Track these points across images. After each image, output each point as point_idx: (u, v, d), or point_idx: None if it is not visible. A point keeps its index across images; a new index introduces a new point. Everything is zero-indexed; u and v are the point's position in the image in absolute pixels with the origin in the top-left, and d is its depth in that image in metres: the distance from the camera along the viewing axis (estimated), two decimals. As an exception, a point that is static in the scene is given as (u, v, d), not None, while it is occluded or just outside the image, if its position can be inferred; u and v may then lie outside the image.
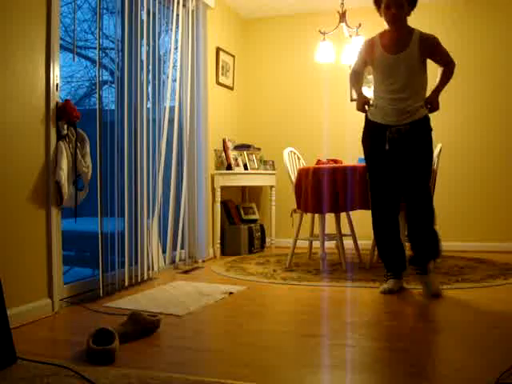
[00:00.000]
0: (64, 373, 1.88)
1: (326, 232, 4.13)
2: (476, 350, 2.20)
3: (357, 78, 3.52)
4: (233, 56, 5.62)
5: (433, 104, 3.31)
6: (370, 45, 3.35)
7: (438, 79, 3.34)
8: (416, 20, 5.40)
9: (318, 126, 5.59)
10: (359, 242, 4.39)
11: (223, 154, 5.22)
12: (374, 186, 3.37)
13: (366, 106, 3.38)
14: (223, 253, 5.14)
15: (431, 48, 3.27)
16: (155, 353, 2.23)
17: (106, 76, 3.68)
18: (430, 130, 3.32)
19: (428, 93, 3.34)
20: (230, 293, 3.34)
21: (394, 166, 3.27)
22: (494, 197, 5.27)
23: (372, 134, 3.34)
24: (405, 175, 3.26)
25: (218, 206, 5.05)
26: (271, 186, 5.54)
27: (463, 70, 5.37)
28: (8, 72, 2.62)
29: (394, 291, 3.30)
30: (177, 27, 4.32)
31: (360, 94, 3.46)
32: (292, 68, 5.87)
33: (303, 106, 5.73)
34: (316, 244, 4.45)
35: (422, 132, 3.26)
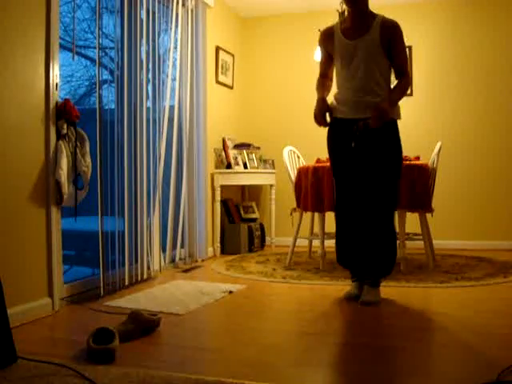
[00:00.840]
0: (64, 372, 1.88)
1: (326, 231, 4.14)
2: (476, 348, 2.21)
3: (322, 82, 3.21)
4: (232, 55, 5.62)
5: (378, 109, 2.88)
6: (329, 33, 3.12)
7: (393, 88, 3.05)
8: (416, 20, 5.43)
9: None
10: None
11: (223, 153, 5.22)
12: (338, 187, 3.15)
13: (328, 116, 3.07)
14: (223, 252, 5.15)
15: (391, 36, 2.98)
16: (155, 352, 2.23)
17: (105, 75, 3.68)
18: (398, 136, 3.05)
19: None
20: (230, 292, 3.34)
21: (360, 165, 3.03)
22: (493, 195, 5.27)
23: (337, 132, 3.08)
24: (366, 180, 3.02)
25: (218, 204, 5.05)
26: (271, 185, 5.54)
27: (464, 70, 5.38)
28: (7, 71, 2.62)
29: (357, 295, 3.11)
30: (176, 26, 4.32)
31: (320, 99, 3.08)
32: (291, 67, 5.87)
33: (303, 104, 5.72)
34: (316, 243, 4.45)
35: (390, 134, 3.01)
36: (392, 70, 3.09)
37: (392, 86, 3.08)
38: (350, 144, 2.99)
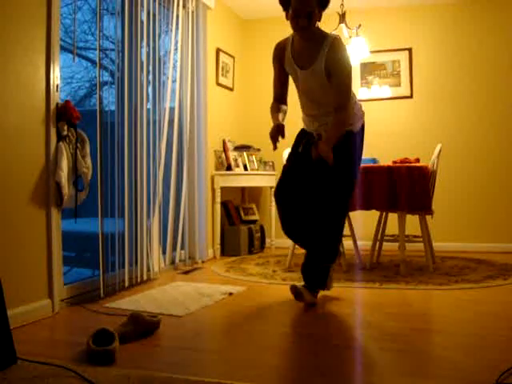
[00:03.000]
0: (64, 373, 1.88)
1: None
2: (476, 350, 2.21)
3: (276, 107, 3.20)
4: (233, 57, 5.63)
5: (318, 148, 2.84)
6: (280, 51, 3.09)
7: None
8: (416, 22, 5.44)
9: (318, 127, 5.59)
10: (359, 243, 4.39)
11: (223, 155, 5.23)
12: (282, 179, 3.20)
13: (280, 136, 3.04)
14: (223, 253, 5.14)
15: (331, 66, 2.83)
16: (155, 353, 2.23)
17: (106, 77, 3.69)
18: (352, 148, 3.00)
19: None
20: (230, 293, 3.34)
21: (305, 170, 3.06)
22: (493, 197, 5.27)
23: (298, 137, 3.25)
24: (314, 191, 3.01)
25: (218, 206, 5.05)
26: (271, 187, 5.54)
27: (463, 72, 5.39)
28: (8, 73, 2.62)
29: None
30: (177, 28, 4.33)
31: (275, 117, 3.14)
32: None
33: (303, 106, 5.72)
34: (316, 245, 4.44)
35: (341, 145, 2.90)
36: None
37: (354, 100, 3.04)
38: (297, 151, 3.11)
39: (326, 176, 2.93)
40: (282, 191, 3.14)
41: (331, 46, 2.84)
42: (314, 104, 3.06)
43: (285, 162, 3.31)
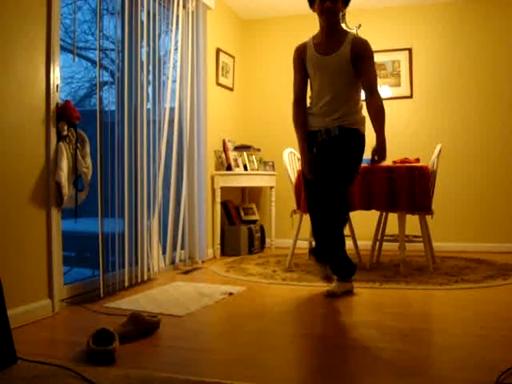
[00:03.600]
0: (64, 373, 1.88)
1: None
2: (476, 350, 2.21)
3: (299, 110, 3.24)
4: (233, 57, 5.63)
5: (382, 154, 3.04)
6: (302, 50, 3.23)
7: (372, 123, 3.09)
8: (416, 22, 5.44)
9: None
10: (359, 243, 4.39)
11: (223, 155, 5.23)
12: (308, 194, 3.28)
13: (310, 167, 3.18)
14: (223, 253, 5.15)
15: (360, 53, 3.05)
16: (155, 353, 2.23)
17: (106, 77, 3.68)
18: (362, 146, 3.16)
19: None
20: (230, 293, 3.34)
21: (321, 169, 3.13)
22: (493, 197, 5.27)
23: (309, 144, 3.21)
24: (324, 183, 3.11)
25: (218, 206, 5.05)
26: (271, 187, 5.55)
27: (463, 71, 5.39)
28: (8, 72, 2.62)
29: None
30: (177, 28, 4.33)
31: (304, 149, 3.21)
32: (292, 69, 5.86)
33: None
34: (316, 245, 4.45)
35: (352, 143, 3.12)
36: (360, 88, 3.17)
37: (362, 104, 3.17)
38: (312, 152, 3.15)
39: (335, 170, 3.07)
40: (315, 205, 3.19)
41: (355, 37, 3.12)
42: (330, 94, 3.11)
43: (299, 172, 3.35)
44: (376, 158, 3.04)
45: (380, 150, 3.02)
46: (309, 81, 3.27)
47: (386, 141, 3.03)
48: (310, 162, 3.17)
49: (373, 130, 3.08)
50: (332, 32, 3.12)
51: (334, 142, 3.09)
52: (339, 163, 3.07)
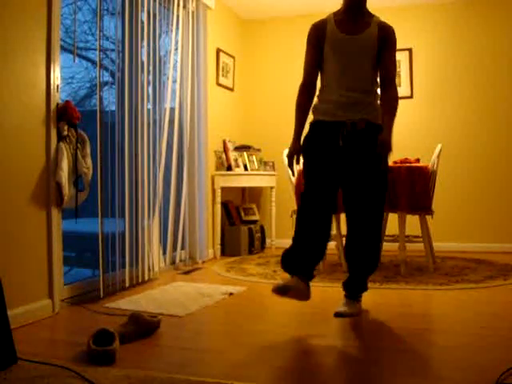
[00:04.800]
0: (64, 373, 1.88)
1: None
2: (476, 350, 2.21)
3: (306, 94, 2.85)
4: (233, 57, 5.63)
5: (385, 146, 2.66)
6: (320, 27, 2.82)
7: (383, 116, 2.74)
8: (416, 22, 5.44)
9: (318, 127, 5.59)
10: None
11: (223, 155, 5.23)
12: (312, 189, 2.78)
13: (295, 158, 2.80)
14: (223, 253, 5.15)
15: (387, 38, 2.73)
16: (156, 353, 2.23)
17: (106, 77, 3.69)
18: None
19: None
20: (230, 293, 3.34)
21: (344, 166, 2.75)
22: (494, 197, 5.27)
23: (320, 135, 2.79)
24: (352, 184, 2.77)
25: (218, 206, 5.05)
26: (271, 187, 5.54)
27: (464, 71, 5.39)
28: (8, 73, 2.63)
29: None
30: (177, 28, 4.33)
31: (296, 138, 2.80)
32: (292, 69, 5.86)
33: (303, 106, 5.73)
34: (316, 245, 4.45)
35: (372, 139, 2.72)
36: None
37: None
38: (336, 145, 2.72)
39: (369, 170, 2.72)
40: (320, 202, 2.75)
41: (381, 21, 2.80)
42: (352, 81, 2.75)
43: (310, 169, 2.84)
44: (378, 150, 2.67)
45: (385, 141, 2.65)
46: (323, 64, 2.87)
47: (389, 141, 2.67)
48: (297, 152, 2.80)
49: None
50: (358, 10, 2.76)
51: (361, 137, 2.72)
52: (370, 162, 2.72)
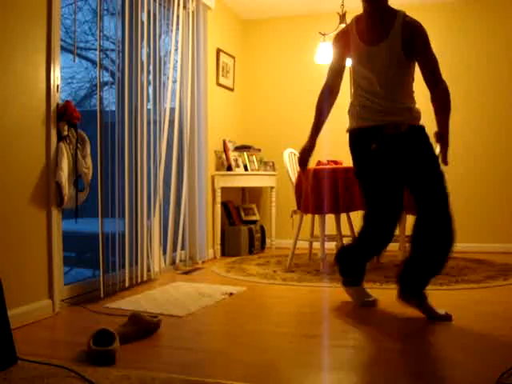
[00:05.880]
0: (64, 373, 1.88)
1: (326, 233, 4.13)
2: (476, 350, 2.21)
3: (327, 97, 2.90)
4: (233, 57, 5.63)
5: (443, 139, 2.65)
6: (346, 35, 2.81)
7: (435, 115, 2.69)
8: (418, 20, 5.43)
9: (318, 127, 5.59)
10: (359, 243, 4.38)
11: (223, 155, 5.23)
12: (370, 197, 2.91)
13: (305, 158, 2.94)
14: (223, 254, 5.15)
15: (413, 34, 2.67)
16: (155, 353, 2.23)
17: (106, 77, 3.69)
18: (427, 137, 2.74)
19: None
20: (231, 293, 3.34)
21: (387, 169, 2.79)
22: (494, 197, 5.27)
23: (358, 142, 2.84)
24: (409, 182, 2.81)
25: (219, 206, 5.05)
26: (271, 187, 5.54)
27: (464, 71, 5.39)
28: (8, 73, 2.63)
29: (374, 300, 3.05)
30: (177, 28, 4.33)
31: (311, 140, 2.93)
32: (292, 69, 5.87)
33: (303, 107, 5.72)
34: (316, 245, 4.45)
35: (420, 140, 2.73)
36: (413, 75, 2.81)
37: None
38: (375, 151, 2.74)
39: (423, 171, 2.72)
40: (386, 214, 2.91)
41: (405, 18, 2.71)
42: (383, 88, 2.71)
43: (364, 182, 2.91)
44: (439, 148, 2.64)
45: (442, 134, 2.63)
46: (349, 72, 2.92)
47: (447, 130, 2.65)
48: (310, 150, 2.93)
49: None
50: (379, 17, 2.70)
51: (403, 140, 2.71)
52: (418, 163, 2.72)
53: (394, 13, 2.72)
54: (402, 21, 2.69)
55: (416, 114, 2.77)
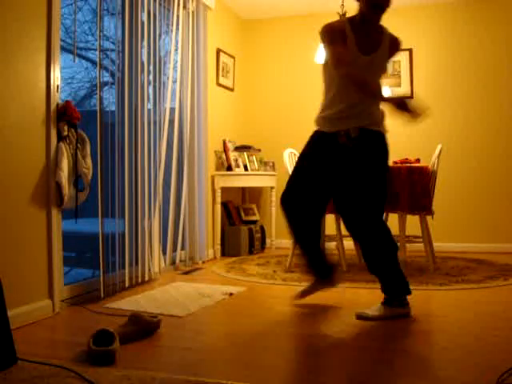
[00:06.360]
0: (64, 374, 1.88)
1: (326, 233, 4.13)
2: (476, 350, 2.21)
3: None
4: (233, 57, 5.63)
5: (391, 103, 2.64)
6: (343, 34, 2.73)
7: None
8: (416, 22, 5.44)
9: (318, 127, 5.59)
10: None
11: (223, 155, 5.23)
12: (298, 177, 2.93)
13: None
14: (223, 254, 5.15)
15: (396, 51, 2.85)
16: (155, 354, 2.23)
17: (106, 77, 3.69)
18: (387, 149, 2.83)
19: None
20: (231, 294, 3.34)
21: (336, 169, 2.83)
22: (494, 198, 5.27)
23: (322, 144, 2.88)
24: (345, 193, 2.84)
25: (219, 206, 5.05)
26: (271, 187, 5.54)
27: (464, 72, 5.39)
28: (9, 73, 2.62)
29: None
30: (177, 28, 4.33)
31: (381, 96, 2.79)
32: (292, 69, 5.87)
33: (303, 106, 5.73)
34: (316, 245, 4.45)
35: (378, 150, 2.80)
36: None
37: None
38: (338, 154, 2.80)
39: (360, 179, 2.77)
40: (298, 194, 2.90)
41: (391, 34, 2.83)
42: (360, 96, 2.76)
43: (298, 162, 3.00)
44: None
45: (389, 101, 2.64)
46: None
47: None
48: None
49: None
50: (375, 28, 2.78)
51: (360, 146, 2.78)
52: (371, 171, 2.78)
53: (382, 27, 2.82)
54: (388, 34, 2.80)
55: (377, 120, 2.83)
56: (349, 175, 2.80)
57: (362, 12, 2.75)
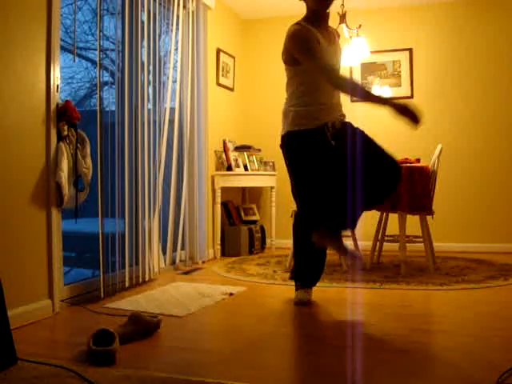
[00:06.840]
0: (64, 374, 1.88)
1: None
2: (476, 350, 2.21)
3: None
4: (233, 57, 5.63)
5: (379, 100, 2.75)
6: (311, 31, 2.84)
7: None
8: (416, 22, 5.44)
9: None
10: (359, 243, 4.39)
11: (223, 155, 5.23)
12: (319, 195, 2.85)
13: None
14: (223, 254, 5.15)
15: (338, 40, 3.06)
16: (155, 354, 2.23)
17: (106, 77, 3.69)
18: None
19: None
20: (231, 294, 3.34)
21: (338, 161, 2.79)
22: (494, 197, 5.27)
23: (308, 142, 2.85)
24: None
25: (219, 206, 5.05)
26: (271, 187, 5.54)
27: (464, 72, 5.39)
28: (8, 73, 2.62)
29: (306, 302, 3.06)
30: (177, 28, 4.33)
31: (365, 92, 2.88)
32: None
33: (303, 106, 5.73)
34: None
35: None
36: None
37: None
38: (326, 147, 2.80)
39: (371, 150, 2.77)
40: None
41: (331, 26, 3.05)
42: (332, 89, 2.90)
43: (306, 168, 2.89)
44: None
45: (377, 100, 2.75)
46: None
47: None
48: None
49: None
50: (326, 22, 2.96)
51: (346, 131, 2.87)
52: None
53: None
54: (334, 29, 3.03)
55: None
56: (350, 147, 2.78)
57: (312, 10, 2.92)
